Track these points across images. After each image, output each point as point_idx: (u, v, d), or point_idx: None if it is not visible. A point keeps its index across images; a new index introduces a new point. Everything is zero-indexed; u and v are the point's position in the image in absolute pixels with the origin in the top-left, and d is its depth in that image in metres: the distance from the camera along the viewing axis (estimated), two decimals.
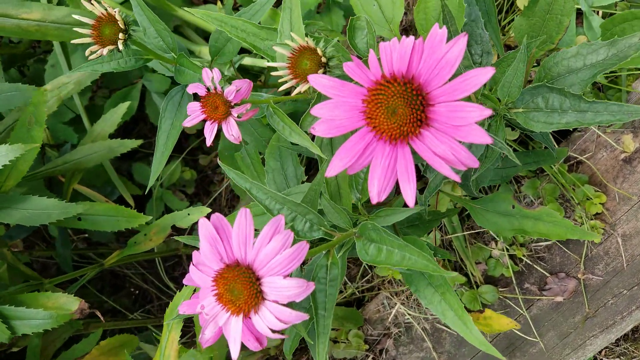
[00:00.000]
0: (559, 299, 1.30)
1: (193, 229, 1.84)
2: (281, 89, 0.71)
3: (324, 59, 0.70)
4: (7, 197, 1.06)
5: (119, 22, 0.74)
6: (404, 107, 0.58)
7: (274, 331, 0.61)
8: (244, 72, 1.45)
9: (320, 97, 0.73)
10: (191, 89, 0.77)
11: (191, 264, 0.65)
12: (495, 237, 1.35)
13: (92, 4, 0.73)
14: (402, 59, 0.58)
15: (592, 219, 1.27)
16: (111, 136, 1.38)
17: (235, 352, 0.62)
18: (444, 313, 0.79)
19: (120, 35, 0.74)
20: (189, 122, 0.77)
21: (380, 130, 0.59)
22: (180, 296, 0.91)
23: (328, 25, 1.07)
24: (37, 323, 0.99)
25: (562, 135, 1.35)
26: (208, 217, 0.63)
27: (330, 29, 1.01)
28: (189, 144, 1.84)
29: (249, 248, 0.61)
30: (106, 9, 0.74)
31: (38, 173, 1.27)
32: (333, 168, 0.63)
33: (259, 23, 0.94)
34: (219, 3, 1.22)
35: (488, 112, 0.55)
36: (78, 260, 1.86)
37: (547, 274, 1.31)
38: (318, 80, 0.63)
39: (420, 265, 0.67)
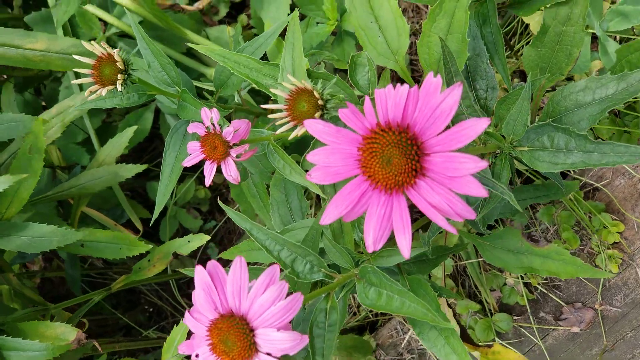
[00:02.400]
0: (576, 329, 1.26)
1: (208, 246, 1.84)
2: (279, 131, 0.70)
3: (321, 102, 0.69)
4: (8, 225, 1.08)
5: (117, 63, 0.74)
6: (399, 156, 0.56)
7: None
8: (255, 93, 1.44)
9: (318, 141, 0.72)
10: (191, 129, 0.77)
11: (187, 311, 0.65)
12: None
13: (91, 44, 0.73)
14: (397, 107, 0.57)
15: (609, 248, 1.23)
16: (125, 156, 1.39)
17: None
18: (448, 357, 0.77)
19: (119, 76, 0.74)
20: (188, 162, 0.77)
21: (376, 179, 0.58)
22: (177, 331, 0.90)
23: (334, 55, 1.05)
24: (33, 354, 0.98)
25: None
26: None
27: (337, 59, 1.00)
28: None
29: (243, 298, 0.61)
30: (106, 49, 0.74)
31: (46, 197, 1.28)
32: (328, 216, 0.62)
33: (265, 54, 0.94)
34: (228, 29, 1.21)
35: (483, 165, 0.54)
36: (92, 276, 1.88)
37: (563, 304, 1.28)
38: (314, 126, 0.62)
39: (419, 313, 0.66)
